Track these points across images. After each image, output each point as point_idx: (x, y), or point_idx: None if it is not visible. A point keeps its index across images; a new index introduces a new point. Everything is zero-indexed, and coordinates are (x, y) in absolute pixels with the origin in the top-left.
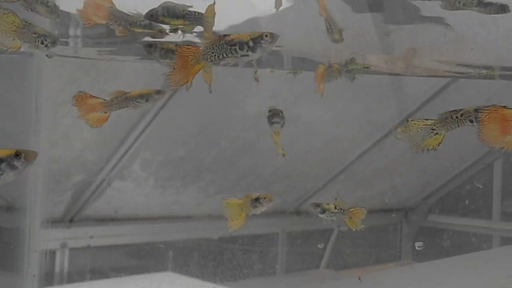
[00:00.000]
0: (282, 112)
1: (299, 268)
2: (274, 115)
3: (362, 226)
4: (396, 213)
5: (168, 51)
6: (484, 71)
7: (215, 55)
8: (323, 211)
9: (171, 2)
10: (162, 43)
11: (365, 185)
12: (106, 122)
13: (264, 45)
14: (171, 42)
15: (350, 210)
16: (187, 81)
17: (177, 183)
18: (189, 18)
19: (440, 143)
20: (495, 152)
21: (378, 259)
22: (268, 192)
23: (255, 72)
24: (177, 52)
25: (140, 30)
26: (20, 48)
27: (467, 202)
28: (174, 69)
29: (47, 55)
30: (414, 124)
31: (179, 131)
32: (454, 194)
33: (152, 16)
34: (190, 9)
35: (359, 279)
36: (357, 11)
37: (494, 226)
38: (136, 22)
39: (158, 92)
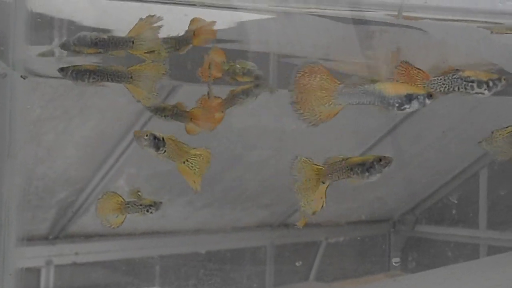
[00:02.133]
0: None
1: (288, 281)
2: None
3: None
4: (383, 224)
5: (79, 73)
6: None
7: (445, 86)
8: None
9: (84, 32)
10: (75, 64)
11: (352, 196)
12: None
13: (499, 87)
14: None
15: None
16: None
17: (164, 197)
18: (102, 45)
19: None
20: (481, 162)
21: (367, 270)
22: (256, 204)
23: (210, 89)
24: (402, 67)
25: (243, 79)
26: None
27: (454, 211)
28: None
29: (21, 76)
30: (499, 134)
31: None
32: (441, 204)
33: (64, 45)
34: (109, 34)
35: None
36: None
37: (481, 235)
38: (239, 71)
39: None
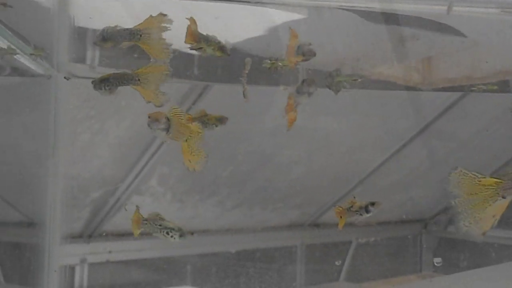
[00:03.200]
0: None
1: (318, 281)
2: None
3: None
4: (415, 225)
5: (99, 83)
6: (483, 86)
7: None
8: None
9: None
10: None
11: (383, 197)
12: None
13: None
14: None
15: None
16: None
17: (195, 197)
18: (110, 38)
19: None
20: None
21: (398, 271)
22: (286, 205)
23: (244, 89)
24: None
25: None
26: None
27: None
28: None
29: (65, 77)
30: None
31: None
32: None
33: (95, 44)
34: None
35: None
36: (371, 21)
37: None
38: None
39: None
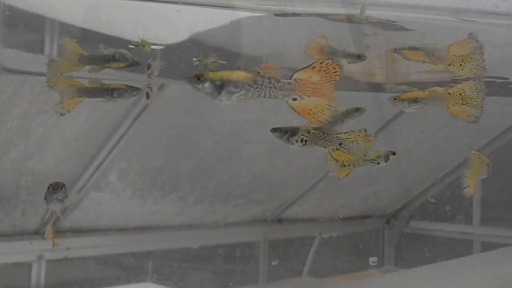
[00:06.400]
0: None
1: (281, 277)
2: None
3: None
4: (377, 220)
5: None
6: (405, 86)
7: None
8: None
9: None
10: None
11: (345, 192)
12: None
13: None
14: None
15: None
16: None
17: (156, 193)
18: None
19: None
20: None
21: (361, 266)
22: (249, 200)
23: (149, 89)
24: None
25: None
26: None
27: (448, 207)
28: None
29: None
30: None
31: (156, 140)
32: (435, 200)
33: None
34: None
35: None
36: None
37: (475, 231)
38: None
39: None
